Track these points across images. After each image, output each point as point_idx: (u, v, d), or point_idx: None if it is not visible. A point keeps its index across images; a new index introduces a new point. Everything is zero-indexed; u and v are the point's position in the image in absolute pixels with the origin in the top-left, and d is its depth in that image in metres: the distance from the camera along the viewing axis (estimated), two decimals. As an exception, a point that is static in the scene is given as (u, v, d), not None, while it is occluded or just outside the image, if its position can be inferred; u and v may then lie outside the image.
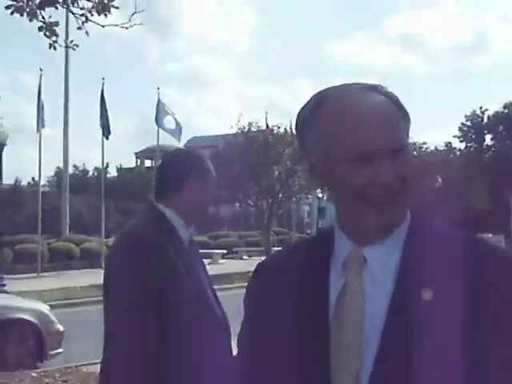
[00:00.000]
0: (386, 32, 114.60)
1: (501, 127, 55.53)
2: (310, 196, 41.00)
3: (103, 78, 31.13)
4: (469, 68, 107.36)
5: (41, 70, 30.92)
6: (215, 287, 2.96)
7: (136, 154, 68.14)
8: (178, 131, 31.19)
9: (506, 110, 55.22)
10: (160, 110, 30.85)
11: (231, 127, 35.25)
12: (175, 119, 31.07)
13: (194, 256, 2.90)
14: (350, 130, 1.37)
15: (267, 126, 34.42)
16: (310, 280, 1.48)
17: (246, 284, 1.65)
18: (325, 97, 1.44)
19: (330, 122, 1.40)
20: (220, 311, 2.85)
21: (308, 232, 53.10)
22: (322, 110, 1.42)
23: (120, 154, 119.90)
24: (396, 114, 1.41)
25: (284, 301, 1.48)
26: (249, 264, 27.14)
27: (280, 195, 34.35)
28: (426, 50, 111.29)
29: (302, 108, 1.48)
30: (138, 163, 67.38)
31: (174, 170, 2.90)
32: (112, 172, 57.34)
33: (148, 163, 63.72)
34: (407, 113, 1.45)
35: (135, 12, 10.76)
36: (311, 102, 1.46)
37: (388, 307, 1.39)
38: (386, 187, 1.37)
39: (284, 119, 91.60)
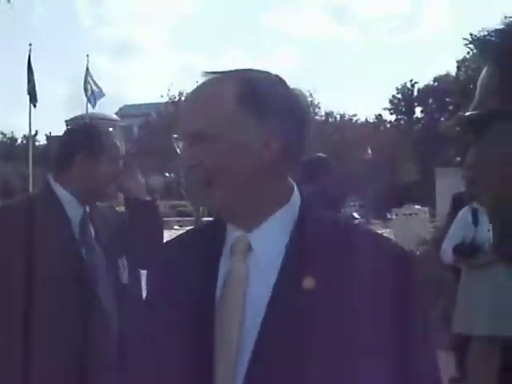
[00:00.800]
0: (320, 1, 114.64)
1: (430, 100, 56.43)
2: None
3: (30, 44, 30.30)
4: (401, 41, 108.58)
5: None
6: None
7: (66, 121, 66.73)
8: (95, 96, 30.65)
9: (435, 84, 56.06)
10: (87, 78, 30.30)
11: (161, 96, 34.90)
12: (94, 85, 30.49)
13: (87, 235, 2.77)
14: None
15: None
16: (203, 264, 1.50)
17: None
18: None
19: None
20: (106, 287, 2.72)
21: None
22: None
23: (51, 122, 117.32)
24: (217, 104, 1.43)
25: (178, 283, 1.50)
26: (179, 234, 27.12)
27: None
28: (359, 20, 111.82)
29: None
30: (69, 131, 66.06)
31: (63, 146, 2.84)
32: (42, 140, 56.17)
33: (78, 131, 62.52)
34: (260, 106, 1.43)
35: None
36: None
37: (270, 295, 1.40)
38: (185, 168, 1.47)
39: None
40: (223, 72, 1.49)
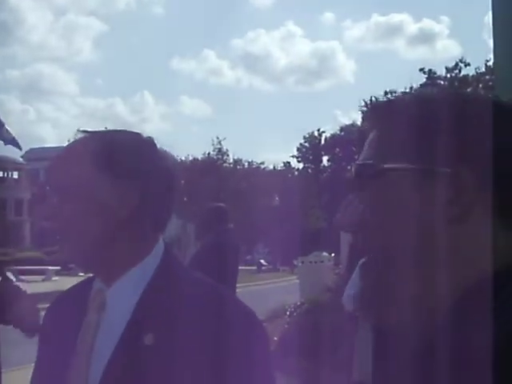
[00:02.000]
0: (233, 50, 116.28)
1: (337, 149, 57.74)
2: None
3: None
4: (309, 91, 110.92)
5: None
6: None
7: (-32, 164, 65.00)
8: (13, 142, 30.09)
9: (342, 133, 57.50)
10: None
11: (68, 140, 34.42)
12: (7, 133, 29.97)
13: None
14: None
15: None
16: (75, 314, 1.54)
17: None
18: None
19: None
20: None
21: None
22: None
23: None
24: (75, 162, 1.51)
25: (57, 331, 1.57)
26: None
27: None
28: (270, 70, 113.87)
29: None
30: (-28, 174, 64.33)
31: None
32: None
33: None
34: (116, 166, 1.49)
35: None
36: None
37: (112, 350, 1.45)
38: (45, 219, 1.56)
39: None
40: (92, 132, 1.57)
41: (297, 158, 59.82)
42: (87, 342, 1.49)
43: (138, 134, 1.57)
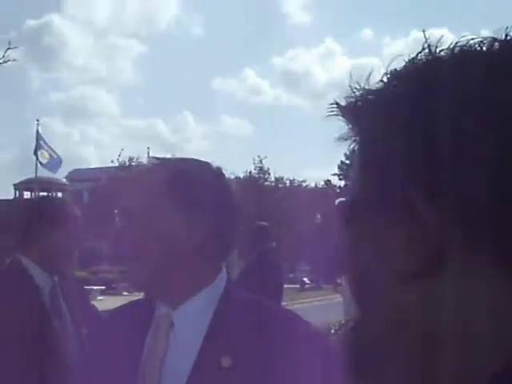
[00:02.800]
0: (273, 68, 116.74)
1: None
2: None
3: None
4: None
5: None
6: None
7: (15, 185, 66.08)
8: (54, 164, 30.49)
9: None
10: (38, 142, 30.17)
11: (111, 161, 34.81)
12: (52, 151, 30.36)
13: (57, 302, 2.89)
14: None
15: (149, 160, 34.18)
16: (131, 338, 1.58)
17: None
18: None
19: None
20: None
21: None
22: None
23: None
24: (146, 190, 1.55)
25: (108, 356, 1.57)
26: (128, 300, 26.70)
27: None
28: (310, 87, 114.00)
29: None
30: (17, 195, 65.33)
31: (23, 220, 2.98)
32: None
33: (27, 195, 61.85)
34: (186, 196, 1.53)
35: (9, 48, 10.51)
36: None
37: (191, 369, 1.49)
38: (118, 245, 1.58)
39: (167, 154, 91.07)
40: (163, 159, 1.63)
41: (338, 175, 59.63)
42: (155, 366, 1.52)
43: (208, 164, 1.62)
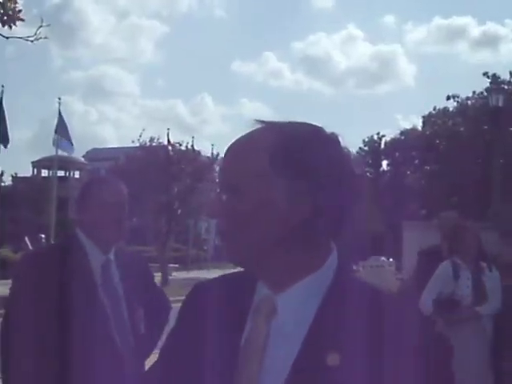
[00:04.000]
0: (294, 53, 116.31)
1: (397, 153, 57.12)
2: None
3: (2, 86, 30.21)
4: (370, 94, 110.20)
5: None
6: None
7: (33, 163, 66.33)
8: (69, 145, 30.55)
9: (402, 137, 56.84)
10: (60, 121, 30.15)
11: (132, 141, 34.78)
12: (67, 133, 30.41)
13: (109, 281, 2.93)
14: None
15: (169, 141, 34.20)
16: (233, 315, 1.43)
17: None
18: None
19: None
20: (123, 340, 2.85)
21: (205, 248, 52.83)
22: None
23: (16, 163, 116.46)
24: (250, 158, 1.37)
25: (207, 327, 1.43)
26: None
27: (179, 212, 34.14)
28: (330, 73, 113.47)
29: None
30: (35, 172, 65.59)
31: (79, 198, 3.05)
32: (7, 181, 55.65)
33: (45, 173, 62.09)
34: (293, 165, 1.36)
35: (41, 26, 10.48)
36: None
37: (291, 366, 1.33)
38: (216, 219, 1.43)
39: (186, 135, 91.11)
40: (270, 123, 1.41)
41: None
42: (257, 352, 1.36)
43: (320, 129, 1.41)
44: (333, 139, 1.40)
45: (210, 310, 1.46)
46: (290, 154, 1.36)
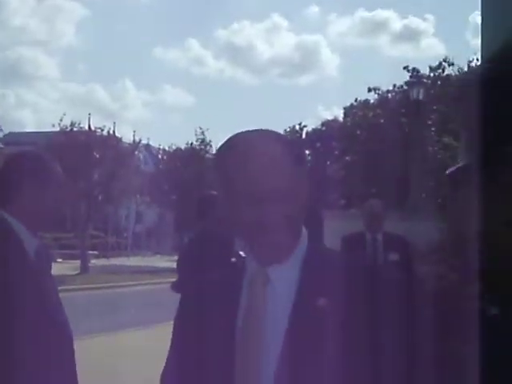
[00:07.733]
0: (217, 40, 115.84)
1: (318, 144, 57.70)
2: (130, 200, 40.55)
3: None
4: (292, 84, 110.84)
5: None
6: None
7: None
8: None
9: (323, 128, 57.44)
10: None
11: (53, 126, 34.09)
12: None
13: (41, 264, 2.84)
14: (242, 178, 1.63)
15: (89, 127, 33.70)
16: (227, 292, 1.73)
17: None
18: (227, 146, 1.70)
19: (229, 171, 1.65)
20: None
21: (125, 236, 52.22)
22: (224, 160, 1.67)
23: None
24: (282, 159, 1.66)
25: (211, 302, 1.73)
26: (62, 267, 26.50)
27: (99, 198, 33.72)
28: (254, 62, 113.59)
29: (218, 149, 1.73)
30: (-50, 156, 63.62)
31: (7, 176, 2.80)
32: None
33: (-40, 157, 60.22)
34: (299, 155, 1.74)
35: None
36: (222, 147, 1.73)
37: (289, 315, 1.63)
38: (267, 227, 1.62)
39: (107, 121, 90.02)
40: (265, 131, 1.74)
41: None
42: (257, 320, 1.66)
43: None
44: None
45: (209, 293, 1.77)
46: (300, 154, 1.75)
